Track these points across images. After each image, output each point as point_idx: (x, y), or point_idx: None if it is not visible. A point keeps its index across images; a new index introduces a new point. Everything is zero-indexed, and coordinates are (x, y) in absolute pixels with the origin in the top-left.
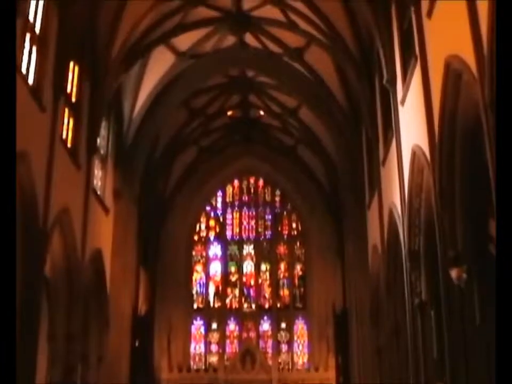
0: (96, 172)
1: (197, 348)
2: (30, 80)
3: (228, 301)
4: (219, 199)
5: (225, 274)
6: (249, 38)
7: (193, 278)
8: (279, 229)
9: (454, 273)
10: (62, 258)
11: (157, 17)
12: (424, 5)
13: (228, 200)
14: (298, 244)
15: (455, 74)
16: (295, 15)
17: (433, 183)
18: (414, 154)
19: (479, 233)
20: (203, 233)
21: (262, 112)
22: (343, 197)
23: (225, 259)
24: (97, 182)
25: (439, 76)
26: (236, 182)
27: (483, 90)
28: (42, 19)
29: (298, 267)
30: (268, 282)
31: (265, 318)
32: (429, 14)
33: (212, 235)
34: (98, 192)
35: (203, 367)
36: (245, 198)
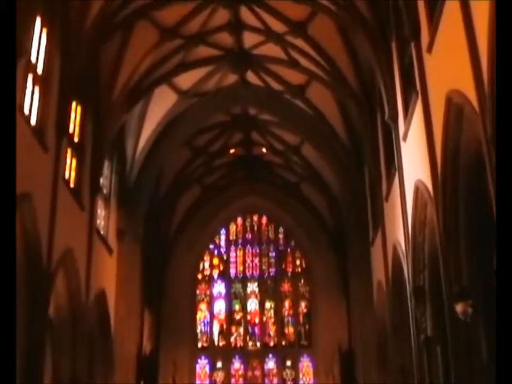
0: (99, 211)
1: None
2: (33, 121)
3: (232, 339)
4: (223, 237)
5: (230, 312)
6: (250, 76)
7: (198, 316)
8: (283, 266)
9: (459, 308)
10: (66, 299)
11: (158, 56)
12: (424, 41)
13: (231, 238)
14: (302, 281)
15: (457, 109)
16: (296, 52)
17: (436, 218)
18: (417, 189)
19: (484, 267)
20: (207, 272)
21: (264, 150)
22: (347, 234)
23: (230, 297)
24: (100, 222)
25: (441, 111)
26: (239, 220)
27: (484, 125)
28: (44, 59)
29: (303, 304)
30: (272, 320)
31: (270, 356)
32: (429, 49)
33: (215, 273)
34: (102, 232)
35: None
36: (249, 235)
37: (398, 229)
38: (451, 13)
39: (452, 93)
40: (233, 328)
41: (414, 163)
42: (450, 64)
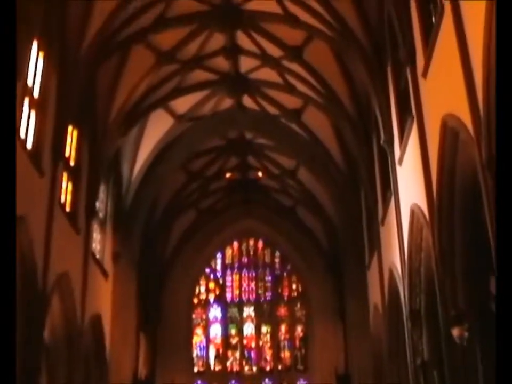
0: (95, 235)
1: None
2: (29, 145)
3: (228, 363)
4: (219, 261)
5: (226, 336)
6: (246, 100)
7: (194, 341)
8: (279, 290)
9: (455, 332)
10: (62, 322)
11: (154, 80)
12: (420, 65)
13: (227, 262)
14: (298, 305)
15: (452, 133)
16: (292, 77)
17: (432, 242)
18: (412, 213)
19: (480, 291)
20: (203, 296)
21: (260, 174)
22: (343, 257)
23: (226, 321)
24: (96, 246)
25: (436, 135)
26: (236, 244)
27: (480, 148)
28: (41, 83)
29: (299, 328)
30: (268, 344)
31: (266, 380)
32: (425, 73)
33: (211, 297)
34: (98, 256)
35: None
36: (245, 259)
37: (394, 253)
38: (446, 38)
39: (447, 117)
40: (230, 353)
41: (410, 187)
42: (445, 89)
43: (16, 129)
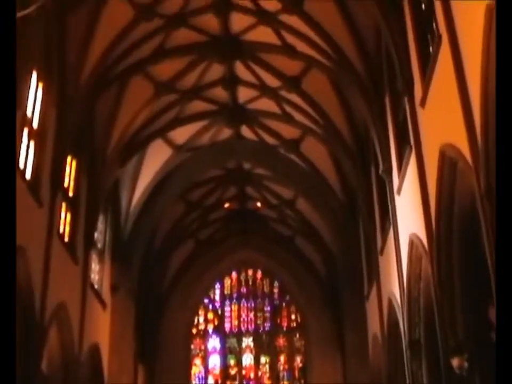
0: (93, 266)
1: None
2: (28, 175)
3: None
4: (217, 292)
5: (225, 367)
6: (245, 131)
7: (192, 371)
8: (278, 320)
9: (455, 362)
10: (59, 353)
11: (153, 111)
12: (418, 95)
13: (226, 292)
14: (297, 335)
15: (450, 163)
16: (290, 107)
17: (431, 272)
18: (411, 243)
19: (480, 321)
20: (201, 326)
21: (259, 204)
22: (342, 287)
23: (224, 352)
24: (94, 276)
25: (434, 165)
26: (234, 274)
27: (478, 178)
28: (40, 113)
29: (298, 359)
30: (267, 375)
31: None
32: (422, 103)
33: (210, 328)
34: (96, 287)
35: None
36: (243, 290)
37: (393, 282)
38: (444, 67)
39: (445, 146)
40: (228, 383)
41: (408, 216)
42: (443, 119)
43: (15, 160)
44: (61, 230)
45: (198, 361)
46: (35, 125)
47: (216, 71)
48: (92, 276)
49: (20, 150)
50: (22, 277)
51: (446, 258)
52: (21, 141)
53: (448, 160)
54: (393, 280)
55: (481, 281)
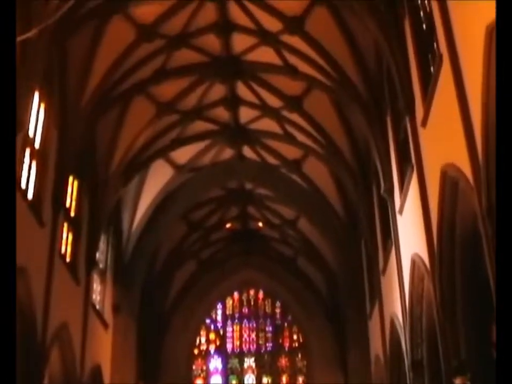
0: (95, 286)
1: None
2: (30, 195)
3: None
4: (219, 312)
5: None
6: (247, 151)
7: None
8: (280, 341)
9: (458, 382)
10: (61, 373)
11: (155, 131)
12: (419, 115)
13: (228, 312)
14: (299, 355)
15: (452, 183)
16: (291, 127)
17: (433, 292)
18: (413, 263)
19: (482, 340)
20: (203, 347)
21: (260, 224)
22: (344, 307)
23: (226, 372)
24: (96, 297)
25: (436, 185)
26: (236, 295)
27: (480, 197)
28: (42, 134)
29: (300, 379)
30: None
31: None
32: (424, 123)
33: (212, 348)
34: (97, 307)
35: None
36: (245, 310)
37: (395, 302)
38: (445, 87)
39: (446, 166)
40: None
41: (410, 236)
42: (444, 138)
43: (16, 180)
44: (63, 250)
45: (199, 381)
46: (37, 145)
47: (218, 91)
48: (94, 296)
49: (21, 170)
50: (23, 297)
51: (448, 278)
52: (23, 161)
53: (449, 179)
54: (395, 300)
55: (483, 301)
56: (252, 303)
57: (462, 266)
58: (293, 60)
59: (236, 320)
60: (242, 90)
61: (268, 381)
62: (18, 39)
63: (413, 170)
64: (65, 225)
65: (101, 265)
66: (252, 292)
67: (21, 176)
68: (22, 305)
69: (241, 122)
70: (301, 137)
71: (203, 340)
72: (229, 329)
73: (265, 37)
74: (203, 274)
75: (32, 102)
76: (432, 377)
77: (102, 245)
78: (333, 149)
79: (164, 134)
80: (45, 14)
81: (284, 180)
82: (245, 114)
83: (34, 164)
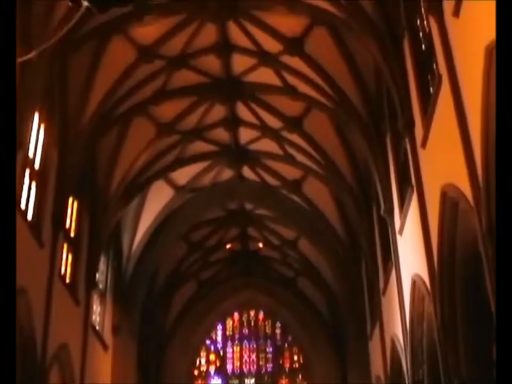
0: (95, 307)
1: None
2: (29, 216)
3: None
4: (219, 333)
5: None
6: (246, 171)
7: None
8: (281, 361)
9: None
10: None
11: (155, 152)
12: (419, 135)
13: (228, 333)
14: (300, 376)
15: (452, 203)
16: (291, 147)
17: (434, 312)
18: (414, 283)
19: (483, 360)
20: (203, 368)
21: (261, 245)
22: (345, 328)
23: None
24: (96, 318)
25: (436, 205)
26: (236, 315)
27: (480, 218)
28: (42, 154)
29: None
30: None
31: None
32: (424, 144)
33: (212, 369)
34: (97, 328)
35: None
36: (245, 331)
37: (396, 323)
38: (444, 108)
39: (446, 187)
40: None
41: (411, 257)
42: (444, 159)
43: (16, 200)
44: (63, 271)
45: None
46: (37, 165)
47: (218, 112)
48: (94, 317)
49: (21, 190)
50: (23, 317)
51: (448, 299)
52: (23, 182)
53: (449, 200)
54: (396, 321)
55: (484, 321)
56: (252, 323)
57: (462, 286)
58: (292, 80)
59: (236, 341)
60: (242, 111)
61: None
62: (19, 60)
63: (413, 191)
64: (65, 245)
65: (100, 286)
66: (252, 313)
67: (20, 197)
68: (21, 326)
69: (241, 143)
70: (300, 157)
71: (203, 360)
72: (229, 350)
73: (265, 57)
74: (203, 295)
75: (32, 123)
76: None
77: (102, 265)
78: (333, 170)
79: (164, 154)
80: (45, 35)
81: (284, 200)
82: (245, 135)
83: (34, 184)
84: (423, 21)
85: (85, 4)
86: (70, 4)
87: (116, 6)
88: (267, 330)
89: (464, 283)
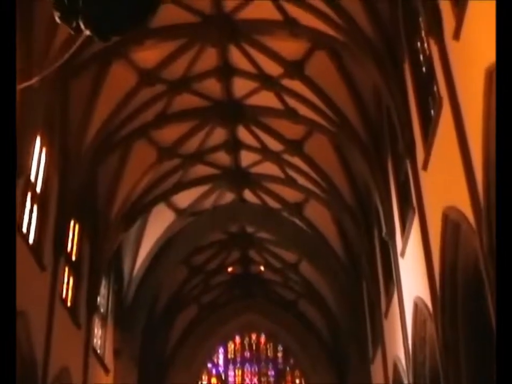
0: (96, 330)
1: None
2: (31, 239)
3: None
4: (221, 356)
5: None
6: (248, 194)
7: None
8: None
9: None
10: None
11: (156, 175)
12: (420, 158)
13: (229, 356)
14: None
15: (453, 226)
16: (292, 170)
17: (436, 335)
18: (416, 306)
19: (485, 382)
20: None
21: (262, 268)
22: (346, 351)
23: None
24: (97, 341)
25: (438, 227)
26: (238, 338)
27: (481, 240)
28: (43, 178)
29: None
30: None
31: None
32: (425, 166)
33: None
34: (98, 351)
35: None
36: (247, 354)
37: (398, 346)
38: (445, 130)
39: (448, 209)
40: None
41: (412, 279)
42: (445, 181)
43: (18, 224)
44: (64, 294)
45: None
46: (38, 189)
47: (219, 135)
48: (95, 340)
49: (23, 214)
50: (24, 341)
51: (450, 321)
52: (24, 205)
53: (451, 222)
54: (398, 344)
55: (486, 344)
56: (254, 347)
57: (464, 309)
58: (293, 103)
59: (238, 364)
60: (243, 134)
61: None
62: (20, 86)
63: (414, 213)
64: (66, 269)
65: (101, 310)
66: (253, 336)
67: (22, 220)
68: (22, 349)
69: (242, 166)
70: (302, 180)
71: None
72: (231, 373)
73: (265, 81)
74: (204, 318)
75: (33, 147)
76: None
77: (103, 289)
78: (334, 192)
79: (165, 178)
80: (46, 61)
81: (285, 223)
82: (246, 158)
83: (35, 207)
84: (424, 44)
85: (87, 32)
86: (72, 32)
87: (118, 35)
88: (269, 354)
89: (466, 306)
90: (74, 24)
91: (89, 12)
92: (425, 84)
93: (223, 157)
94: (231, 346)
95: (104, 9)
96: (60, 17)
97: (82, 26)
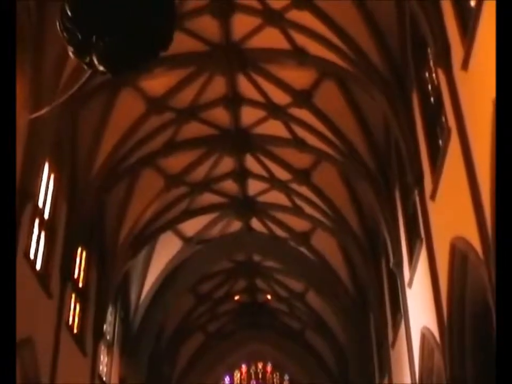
0: (102, 358)
1: None
2: (38, 266)
3: None
4: None
5: None
6: (255, 223)
7: None
8: None
9: None
10: None
11: (163, 203)
12: (428, 188)
13: None
14: None
15: (461, 256)
16: (300, 199)
17: (444, 366)
18: (423, 337)
19: None
20: None
21: (269, 297)
22: (353, 381)
23: None
24: (103, 368)
25: (445, 258)
26: (244, 367)
27: (489, 271)
28: (51, 204)
29: None
30: None
31: None
32: (433, 196)
33: None
34: (104, 379)
35: None
36: (253, 383)
37: (405, 377)
38: (453, 160)
39: (456, 239)
40: None
41: (420, 310)
42: (453, 211)
43: (25, 250)
44: (70, 322)
45: None
46: (46, 215)
47: (227, 164)
48: (101, 367)
49: (30, 240)
50: (30, 368)
51: (458, 352)
52: (32, 232)
53: (459, 253)
54: (405, 374)
55: (493, 374)
56: (260, 376)
57: (472, 340)
58: (301, 132)
59: None
60: (250, 163)
61: None
62: (31, 117)
63: (422, 243)
64: (73, 296)
65: (108, 337)
66: (260, 365)
67: (29, 247)
68: (28, 376)
69: (249, 195)
70: (309, 210)
71: None
72: None
73: (273, 110)
74: (211, 347)
75: (42, 173)
76: None
77: (109, 316)
78: (342, 222)
79: (173, 206)
80: (55, 91)
81: (292, 252)
82: (253, 186)
83: (43, 234)
84: (432, 74)
85: (100, 68)
86: (85, 67)
87: (130, 71)
88: (275, 383)
89: (474, 336)
90: (87, 60)
91: (103, 48)
92: (434, 114)
93: (230, 186)
94: (237, 375)
95: (117, 45)
96: (73, 52)
97: (95, 61)
